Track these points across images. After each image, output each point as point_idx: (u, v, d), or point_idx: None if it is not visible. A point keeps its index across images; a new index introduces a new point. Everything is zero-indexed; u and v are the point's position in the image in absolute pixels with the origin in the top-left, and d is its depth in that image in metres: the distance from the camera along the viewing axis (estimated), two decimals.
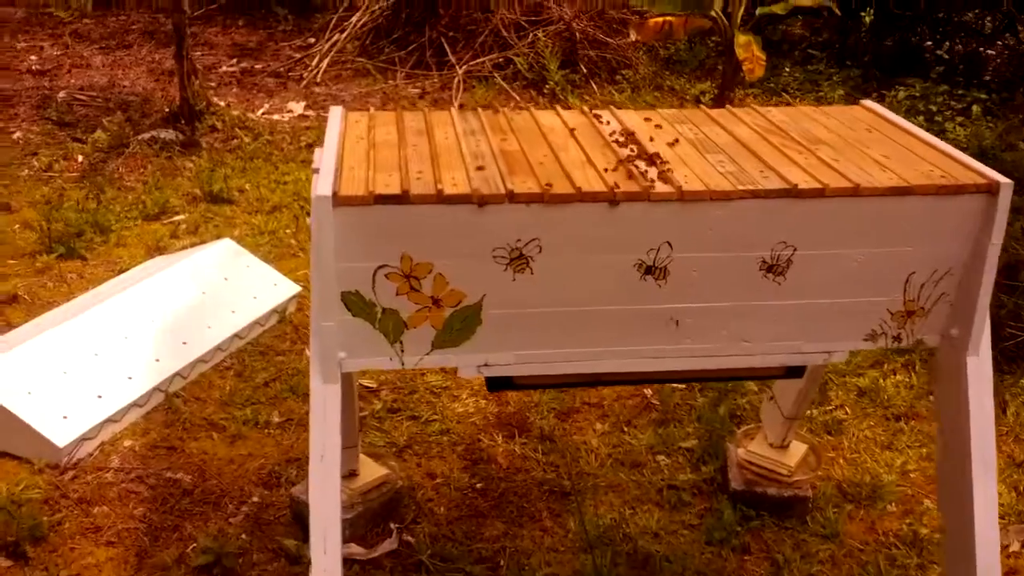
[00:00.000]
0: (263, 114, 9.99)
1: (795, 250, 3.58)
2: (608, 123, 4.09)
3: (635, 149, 3.79)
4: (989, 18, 11.75)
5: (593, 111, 4.20)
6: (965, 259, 3.67)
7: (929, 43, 11.64)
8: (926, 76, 10.77)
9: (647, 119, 4.16)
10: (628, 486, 4.94)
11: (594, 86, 11.29)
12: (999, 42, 11.63)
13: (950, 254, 3.66)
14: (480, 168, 3.57)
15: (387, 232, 3.37)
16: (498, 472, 4.99)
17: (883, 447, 5.30)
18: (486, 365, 3.59)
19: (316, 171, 3.52)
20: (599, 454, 5.17)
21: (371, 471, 4.70)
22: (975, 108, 9.86)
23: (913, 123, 4.30)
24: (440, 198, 3.35)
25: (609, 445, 5.25)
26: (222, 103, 9.78)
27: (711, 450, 5.19)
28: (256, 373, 5.69)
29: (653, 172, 3.57)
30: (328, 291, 3.39)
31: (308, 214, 5.22)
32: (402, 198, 3.33)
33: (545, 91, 11.05)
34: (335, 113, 4.01)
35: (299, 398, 5.35)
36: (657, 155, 3.72)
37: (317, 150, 3.73)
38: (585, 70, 11.27)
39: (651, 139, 3.92)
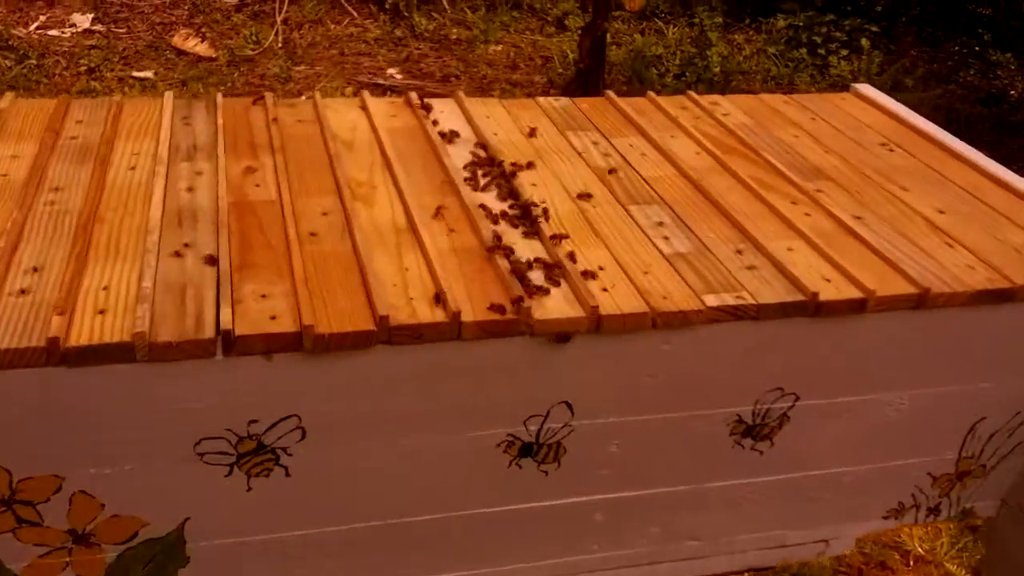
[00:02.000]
0: (37, 29, 7.49)
1: (796, 400, 1.75)
2: (450, 133, 2.10)
3: (500, 197, 1.85)
4: None
5: (423, 100, 2.20)
6: None
7: None
8: (809, 2, 8.93)
9: (526, 122, 2.20)
10: None
11: (444, 2, 9.00)
12: None
13: None
14: (179, 254, 1.57)
15: None
16: None
17: None
18: None
19: None
20: None
21: None
22: (864, 41, 8.12)
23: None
24: (54, 352, 1.36)
25: None
26: None
27: None
28: None
29: (537, 275, 1.65)
30: None
31: None
32: None
33: (387, 6, 8.75)
34: None
35: None
36: (543, 213, 1.79)
37: None
38: None
39: (528, 165, 1.98)
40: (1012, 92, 6.89)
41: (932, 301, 1.69)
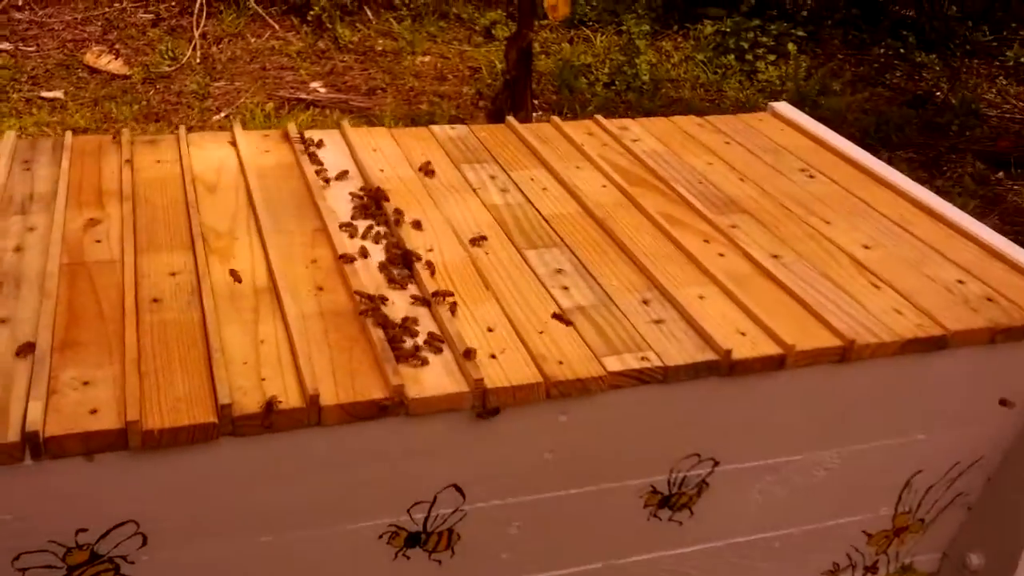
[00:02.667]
0: None
1: (714, 465, 1.55)
2: (328, 171, 1.87)
3: (382, 247, 1.63)
4: None
5: (302, 133, 1.97)
6: (1009, 442, 1.74)
7: None
8: (734, 8, 8.84)
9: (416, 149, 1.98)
10: None
11: (368, 12, 8.74)
12: None
13: (984, 436, 1.72)
14: None
15: None
16: None
17: None
18: None
19: None
20: None
21: None
22: (791, 46, 8.03)
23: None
24: None
25: None
26: None
27: None
28: None
29: (416, 342, 1.43)
30: None
31: None
32: None
33: (309, 18, 8.47)
34: None
35: None
36: (427, 266, 1.57)
37: None
38: None
39: (410, 218, 1.75)
40: (938, 93, 6.83)
41: (857, 353, 1.49)
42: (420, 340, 1.41)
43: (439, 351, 1.40)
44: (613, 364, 1.41)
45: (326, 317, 1.45)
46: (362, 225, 1.69)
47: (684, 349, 1.46)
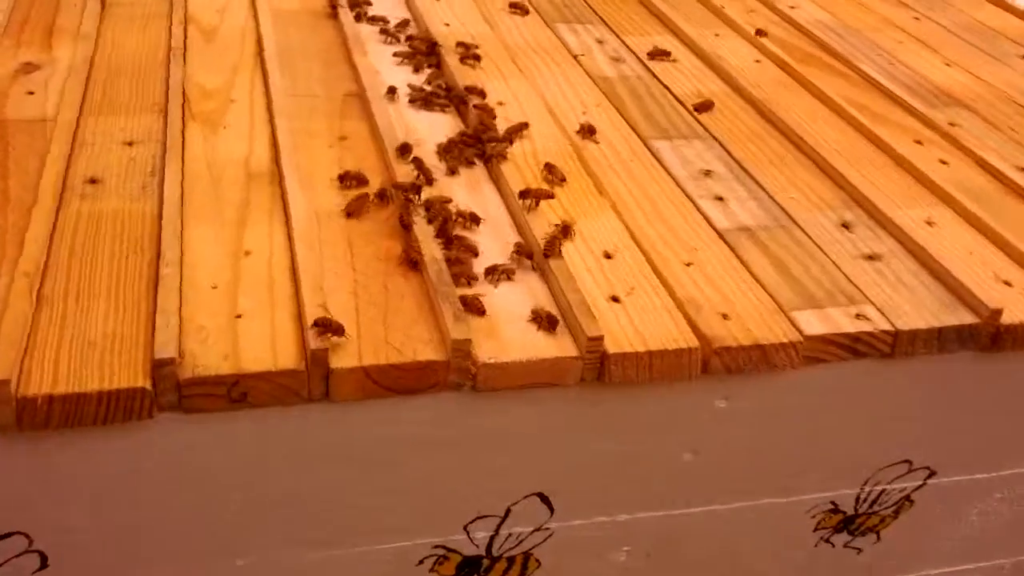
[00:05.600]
0: None
1: (928, 477, 0.99)
2: (374, 18, 1.29)
3: (442, 119, 1.07)
4: None
5: None
6: None
7: None
8: None
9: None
10: None
11: None
12: None
13: None
14: None
15: None
16: None
17: None
18: None
19: None
20: None
21: None
22: None
23: None
24: None
25: None
26: None
27: None
28: None
29: (489, 265, 0.86)
30: None
31: None
32: None
33: None
34: None
35: None
36: (505, 145, 1.01)
37: None
38: None
39: (475, 56, 1.18)
40: None
41: None
42: (501, 264, 0.87)
43: (512, 276, 0.85)
44: (811, 323, 0.83)
45: (352, 221, 0.90)
46: (415, 93, 1.13)
47: (922, 304, 0.88)
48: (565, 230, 0.91)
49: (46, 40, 1.14)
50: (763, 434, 0.90)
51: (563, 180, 1.00)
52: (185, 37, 1.18)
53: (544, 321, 0.81)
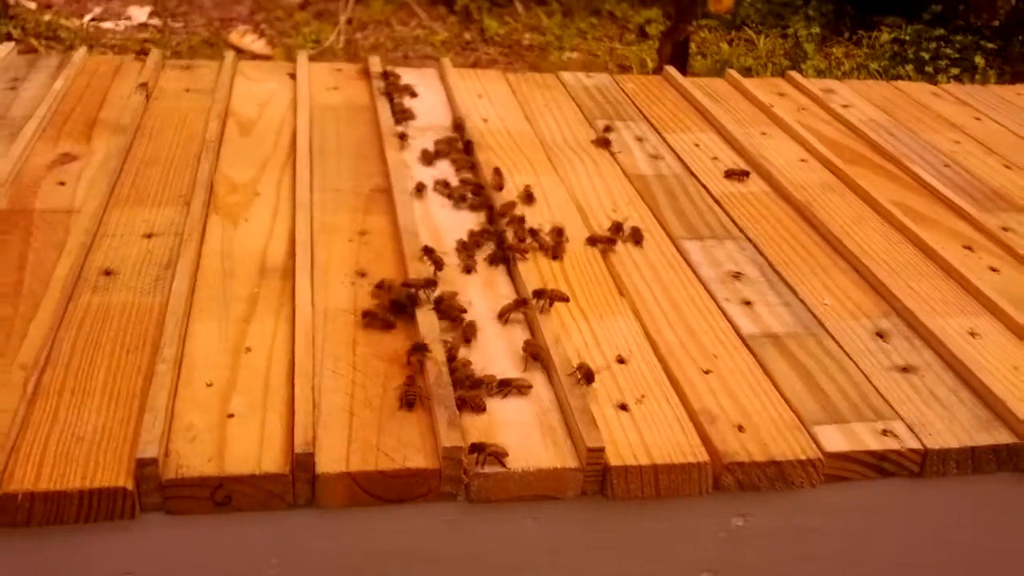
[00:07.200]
0: (91, 20, 6.96)
1: None
2: (407, 112, 1.32)
3: (469, 218, 1.07)
4: None
5: (386, 69, 1.42)
6: None
7: None
8: (915, 16, 7.93)
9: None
10: None
11: (518, 5, 8.24)
12: None
13: None
14: None
15: None
16: None
17: None
18: None
19: None
20: None
21: None
22: (978, 59, 7.10)
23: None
24: None
25: None
26: (32, 3, 6.70)
27: None
28: None
29: (496, 374, 0.84)
30: None
31: None
32: None
33: (456, 8, 8.05)
34: None
35: None
36: (531, 247, 1.00)
37: None
38: None
39: (518, 186, 1.18)
40: None
41: None
42: (509, 375, 0.85)
43: (527, 391, 0.83)
44: (834, 439, 0.80)
45: (360, 319, 0.90)
46: (444, 189, 1.13)
47: (956, 421, 0.83)
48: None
49: (86, 132, 1.19)
50: (784, 555, 0.85)
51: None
52: (223, 130, 1.22)
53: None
